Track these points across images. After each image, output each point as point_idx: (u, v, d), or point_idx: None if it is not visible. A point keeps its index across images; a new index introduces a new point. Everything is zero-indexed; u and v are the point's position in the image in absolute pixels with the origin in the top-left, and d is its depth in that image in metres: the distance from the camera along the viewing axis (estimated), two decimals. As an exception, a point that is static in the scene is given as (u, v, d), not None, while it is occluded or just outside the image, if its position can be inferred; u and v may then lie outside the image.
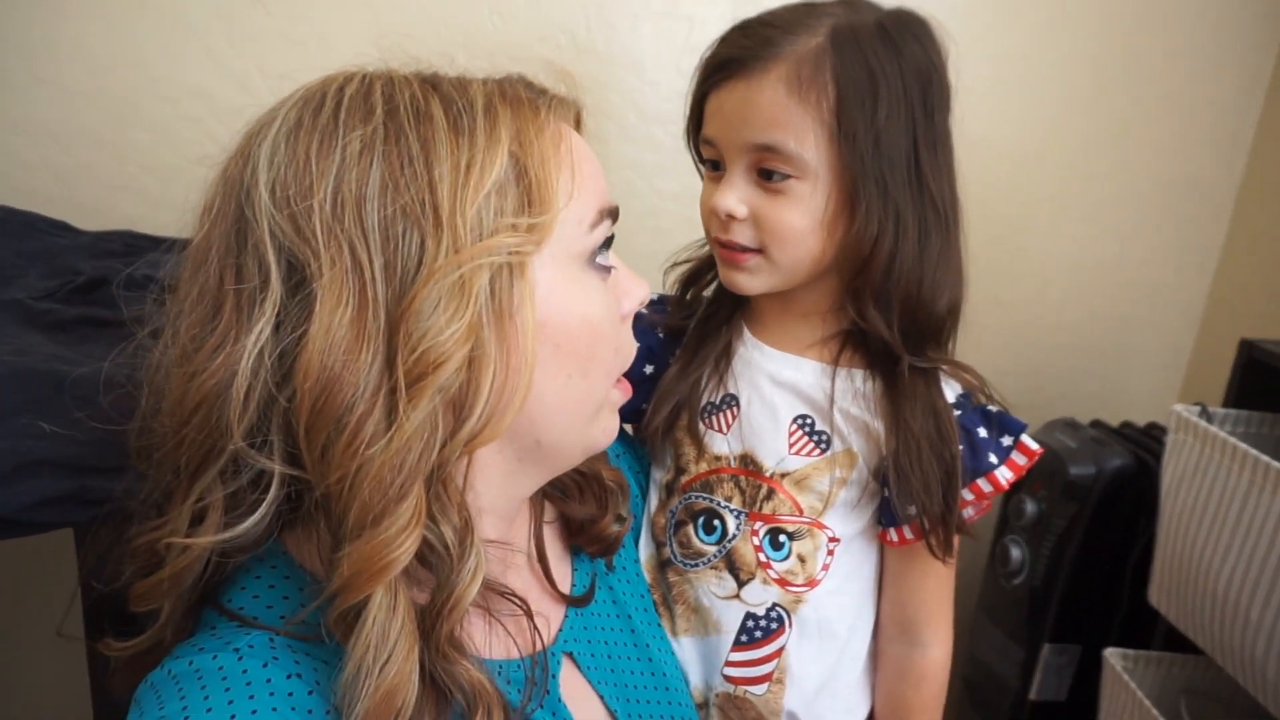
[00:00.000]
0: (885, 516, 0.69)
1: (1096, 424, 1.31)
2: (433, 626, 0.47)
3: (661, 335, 0.77)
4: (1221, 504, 0.92)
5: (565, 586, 0.64)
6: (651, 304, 0.76)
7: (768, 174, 0.64)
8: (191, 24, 1.03)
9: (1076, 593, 1.22)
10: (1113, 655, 1.11)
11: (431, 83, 0.49)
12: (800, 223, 0.64)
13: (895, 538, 0.69)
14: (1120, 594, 1.22)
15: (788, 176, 0.63)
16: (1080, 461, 1.19)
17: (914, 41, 0.64)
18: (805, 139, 0.62)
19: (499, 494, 0.55)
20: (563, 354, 0.51)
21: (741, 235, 0.66)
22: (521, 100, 0.50)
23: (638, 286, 0.59)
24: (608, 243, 0.55)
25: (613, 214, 0.55)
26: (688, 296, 0.77)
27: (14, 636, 1.16)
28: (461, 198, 0.45)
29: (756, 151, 0.63)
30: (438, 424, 0.46)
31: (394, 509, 0.44)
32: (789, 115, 0.62)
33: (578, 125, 0.57)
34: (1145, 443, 1.24)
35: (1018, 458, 0.67)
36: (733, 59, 0.64)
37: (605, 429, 0.58)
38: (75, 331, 0.72)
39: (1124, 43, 1.31)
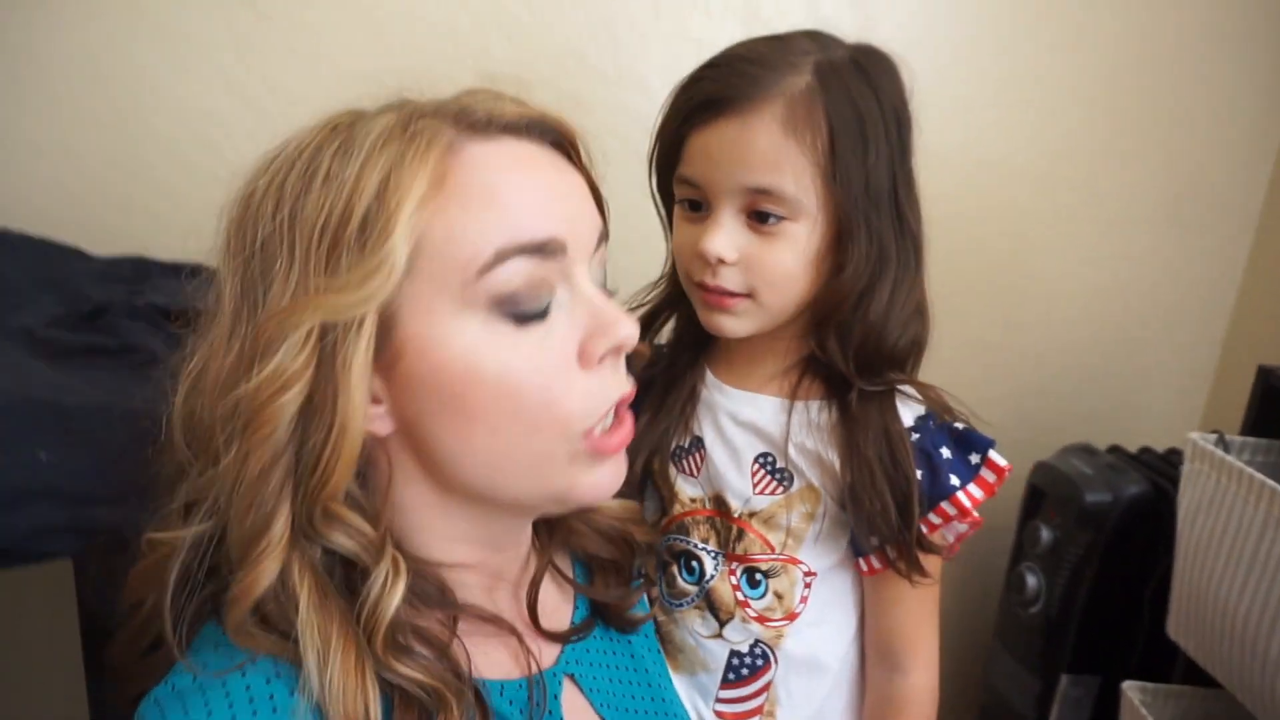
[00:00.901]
0: (856, 546, 0.69)
1: (1114, 449, 1.28)
2: (368, 631, 0.48)
3: None
4: (1238, 536, 0.90)
5: (563, 618, 0.63)
6: None
7: (762, 216, 0.63)
8: (202, 45, 1.04)
9: (1094, 622, 1.18)
10: (1130, 689, 1.08)
11: (349, 122, 0.50)
12: (793, 265, 0.63)
13: (866, 567, 0.68)
14: (1139, 624, 1.19)
15: (782, 219, 0.62)
16: (1096, 488, 1.16)
17: (885, 76, 0.64)
18: (802, 180, 0.61)
19: (468, 528, 0.55)
20: (455, 409, 0.49)
21: (730, 280, 0.64)
22: (415, 134, 0.48)
23: (616, 325, 0.51)
24: (543, 294, 0.50)
25: (540, 249, 0.48)
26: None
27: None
28: (314, 252, 0.47)
29: (751, 194, 0.62)
30: (293, 466, 0.48)
31: (256, 542, 0.47)
32: (786, 156, 0.61)
33: (570, 147, 0.55)
34: (1164, 469, 1.20)
35: (987, 475, 0.65)
36: (721, 98, 0.62)
37: (586, 483, 0.53)
38: (79, 359, 0.73)
39: (1138, 56, 1.29)
